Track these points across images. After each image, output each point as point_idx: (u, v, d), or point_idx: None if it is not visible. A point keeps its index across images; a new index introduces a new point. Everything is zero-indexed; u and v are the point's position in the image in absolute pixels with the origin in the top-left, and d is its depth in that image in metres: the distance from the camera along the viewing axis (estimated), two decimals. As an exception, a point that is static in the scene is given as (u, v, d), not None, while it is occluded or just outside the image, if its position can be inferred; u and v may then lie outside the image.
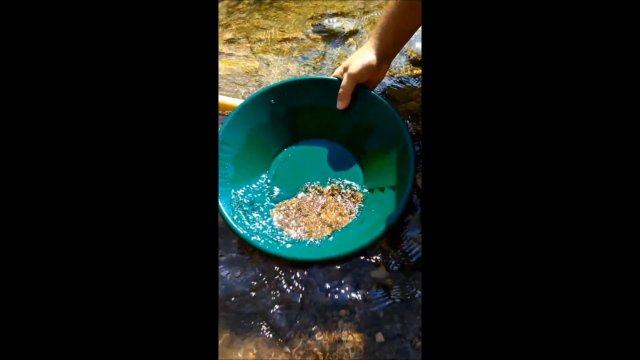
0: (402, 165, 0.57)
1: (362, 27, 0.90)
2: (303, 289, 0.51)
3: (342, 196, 0.60)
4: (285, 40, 0.91)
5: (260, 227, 0.57)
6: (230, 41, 0.93)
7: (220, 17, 1.01)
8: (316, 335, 0.47)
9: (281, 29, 0.94)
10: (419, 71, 0.77)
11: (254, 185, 0.63)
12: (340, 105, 0.62)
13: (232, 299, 0.50)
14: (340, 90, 0.62)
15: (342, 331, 0.47)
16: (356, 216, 0.58)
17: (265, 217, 0.59)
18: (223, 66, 0.85)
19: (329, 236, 0.55)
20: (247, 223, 0.57)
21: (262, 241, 0.54)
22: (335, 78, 0.63)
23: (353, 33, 0.89)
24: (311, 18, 0.95)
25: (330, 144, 0.66)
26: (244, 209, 0.59)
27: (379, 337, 0.47)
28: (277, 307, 0.49)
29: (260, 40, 0.91)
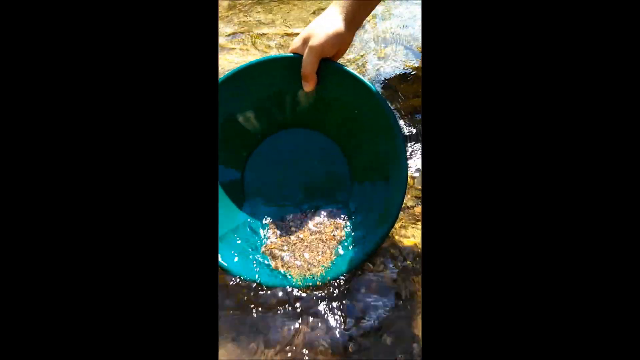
0: (390, 152, 0.50)
1: (367, 22, 0.89)
2: (305, 292, 0.50)
3: (323, 238, 0.54)
4: (288, 34, 0.89)
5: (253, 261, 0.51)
6: (232, 35, 0.91)
7: (222, 11, 0.99)
8: (319, 335, 0.46)
9: (284, 23, 0.93)
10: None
11: (226, 201, 0.54)
12: (307, 87, 0.51)
13: (234, 298, 0.50)
14: (303, 67, 0.49)
15: (348, 331, 0.46)
16: (340, 245, 0.52)
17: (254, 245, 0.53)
18: (225, 61, 0.84)
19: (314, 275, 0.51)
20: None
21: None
22: (293, 54, 0.50)
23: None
24: (314, 13, 0.94)
25: (308, 132, 0.56)
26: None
27: (385, 339, 0.46)
28: (278, 308, 0.49)
29: (263, 34, 0.90)
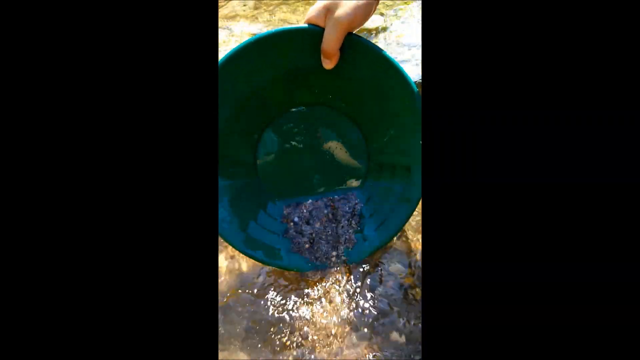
0: (414, 138, 0.47)
1: (391, 24, 0.89)
2: (314, 287, 0.51)
3: (341, 222, 0.53)
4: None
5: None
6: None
7: (247, 10, 1.01)
8: (326, 334, 0.46)
9: (308, 24, 0.94)
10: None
11: (244, 191, 0.53)
12: (328, 64, 0.44)
13: (238, 296, 0.51)
14: (326, 44, 0.42)
15: (355, 331, 0.47)
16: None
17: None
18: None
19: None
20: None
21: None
22: (310, 26, 0.43)
23: (383, 29, 0.88)
24: (338, 13, 0.94)
25: (324, 111, 0.52)
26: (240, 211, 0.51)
27: (394, 336, 0.46)
28: (282, 308, 0.49)
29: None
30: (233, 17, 0.99)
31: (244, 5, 1.04)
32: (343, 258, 0.51)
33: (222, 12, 1.01)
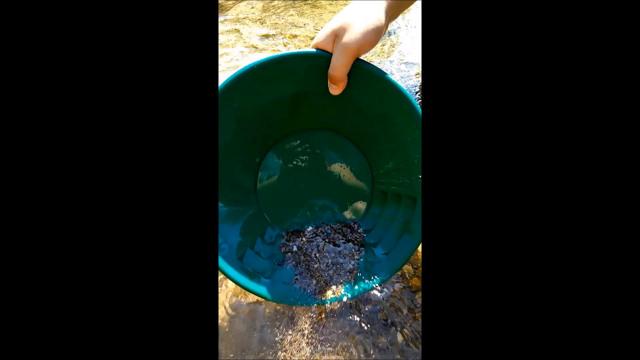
0: (419, 167, 0.46)
1: (398, 27, 0.89)
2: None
3: (343, 254, 0.48)
4: (319, 37, 0.91)
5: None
6: (264, 37, 0.93)
7: (256, 12, 1.02)
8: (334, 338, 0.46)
9: (316, 27, 0.94)
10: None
11: (242, 216, 0.50)
12: (335, 90, 0.43)
13: (236, 300, 0.50)
14: (333, 69, 0.41)
15: (360, 333, 0.47)
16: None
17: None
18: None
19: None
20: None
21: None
22: (318, 51, 0.42)
23: (389, 33, 0.89)
24: (346, 16, 0.95)
25: (329, 135, 0.51)
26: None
27: (399, 337, 0.46)
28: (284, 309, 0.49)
29: (295, 36, 0.92)
30: (241, 20, 0.99)
31: (252, 8, 1.04)
32: (341, 292, 0.46)
33: (230, 13, 1.02)
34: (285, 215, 0.52)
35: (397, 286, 0.52)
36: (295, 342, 0.47)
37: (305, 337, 0.47)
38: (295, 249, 0.50)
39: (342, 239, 0.51)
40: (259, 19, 1.00)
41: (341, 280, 0.47)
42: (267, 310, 0.50)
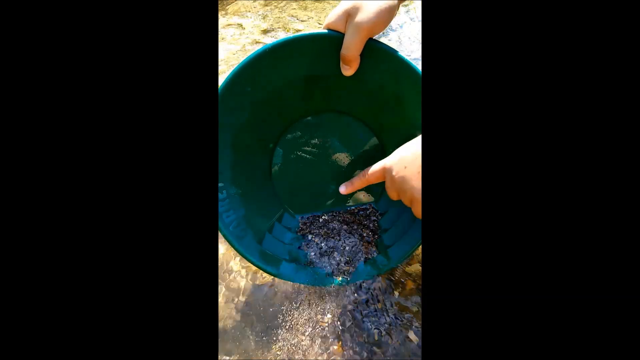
0: None
1: (403, 22, 0.88)
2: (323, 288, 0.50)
3: (357, 237, 0.50)
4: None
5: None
6: (266, 31, 0.92)
7: (258, 7, 1.01)
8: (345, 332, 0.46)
9: (319, 21, 0.93)
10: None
11: (259, 201, 0.51)
12: (348, 71, 0.43)
13: (245, 298, 0.51)
14: (346, 49, 0.41)
15: (369, 330, 0.46)
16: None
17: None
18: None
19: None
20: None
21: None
22: (330, 32, 0.42)
23: (392, 29, 0.87)
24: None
25: (342, 118, 0.50)
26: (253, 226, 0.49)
27: (412, 336, 0.46)
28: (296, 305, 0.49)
29: (298, 30, 0.91)
30: (243, 14, 0.98)
31: (254, 2, 1.03)
32: (354, 276, 0.48)
33: (232, 8, 1.01)
34: (300, 199, 0.52)
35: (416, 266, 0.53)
36: (309, 319, 0.48)
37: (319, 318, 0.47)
38: (310, 234, 0.51)
39: (356, 223, 0.51)
40: (262, 13, 0.99)
41: (355, 264, 0.48)
42: (285, 289, 0.50)
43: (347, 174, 0.52)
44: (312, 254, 0.49)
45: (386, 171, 0.40)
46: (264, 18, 0.96)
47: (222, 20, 0.97)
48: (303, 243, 0.50)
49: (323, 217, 0.52)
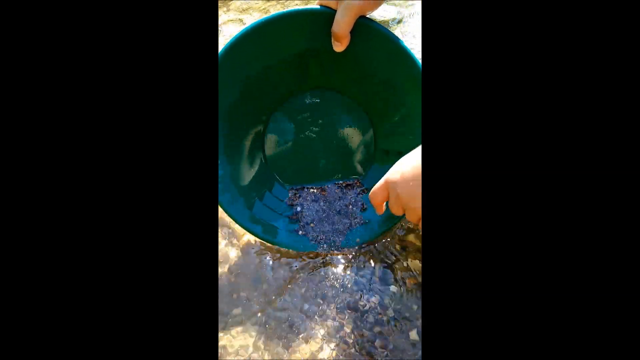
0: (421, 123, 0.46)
1: (405, 16, 0.87)
2: (325, 279, 0.50)
3: (345, 207, 0.54)
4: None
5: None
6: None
7: (260, 2, 1.00)
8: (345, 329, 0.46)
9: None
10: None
11: (251, 170, 0.54)
12: (338, 47, 0.44)
13: (242, 291, 0.51)
14: (336, 26, 0.42)
15: (371, 328, 0.46)
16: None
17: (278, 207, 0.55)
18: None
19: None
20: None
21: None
22: (322, 8, 0.43)
23: (397, 22, 0.87)
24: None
25: (332, 95, 0.52)
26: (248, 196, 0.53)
27: (413, 335, 0.45)
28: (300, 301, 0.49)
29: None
30: (246, 10, 0.98)
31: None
32: (340, 242, 0.52)
33: (235, 4, 1.01)
34: (291, 172, 0.56)
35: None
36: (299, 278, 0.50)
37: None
38: (299, 205, 0.55)
39: (343, 197, 0.55)
40: (263, 8, 0.99)
41: (343, 232, 0.53)
42: (273, 255, 0.53)
43: (336, 149, 0.55)
44: (302, 222, 0.53)
45: (390, 189, 0.42)
46: (266, 13, 0.96)
47: (223, 17, 0.97)
48: (293, 212, 0.54)
49: (312, 189, 0.56)
